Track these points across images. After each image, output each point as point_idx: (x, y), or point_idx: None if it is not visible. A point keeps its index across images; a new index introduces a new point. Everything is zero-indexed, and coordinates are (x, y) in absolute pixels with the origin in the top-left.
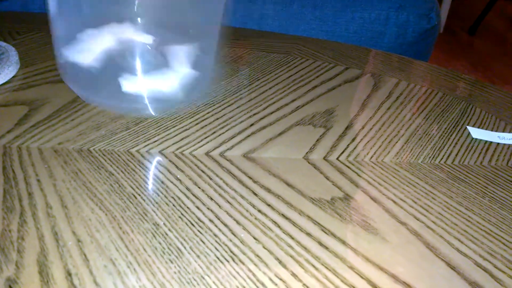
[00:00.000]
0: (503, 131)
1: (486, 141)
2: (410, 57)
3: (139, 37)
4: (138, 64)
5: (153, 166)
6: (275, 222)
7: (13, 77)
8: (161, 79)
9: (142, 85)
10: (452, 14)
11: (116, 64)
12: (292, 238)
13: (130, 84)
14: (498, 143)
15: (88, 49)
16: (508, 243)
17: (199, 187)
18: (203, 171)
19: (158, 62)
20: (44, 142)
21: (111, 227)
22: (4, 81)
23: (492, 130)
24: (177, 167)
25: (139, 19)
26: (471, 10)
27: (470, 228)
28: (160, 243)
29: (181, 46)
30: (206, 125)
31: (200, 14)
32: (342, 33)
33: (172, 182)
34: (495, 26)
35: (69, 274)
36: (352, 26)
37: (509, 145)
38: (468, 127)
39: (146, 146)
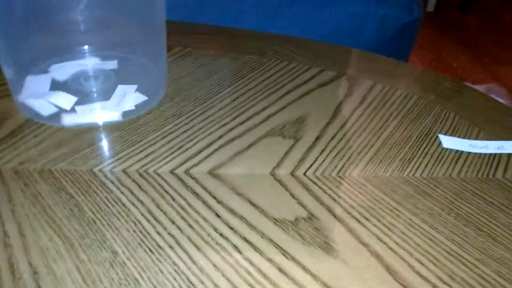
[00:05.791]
0: (476, 138)
1: (457, 151)
2: (390, 54)
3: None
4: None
5: (115, 187)
6: (235, 247)
7: None
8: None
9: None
10: None
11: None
12: (252, 264)
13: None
14: (469, 152)
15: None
16: (470, 264)
17: (161, 210)
18: (166, 191)
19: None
20: (4, 162)
21: (69, 256)
22: None
23: (464, 137)
24: (140, 187)
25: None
26: None
27: (432, 248)
28: (117, 273)
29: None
30: (173, 139)
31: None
32: (320, 29)
33: (133, 205)
34: (487, 3)
35: None
36: (330, 22)
37: (480, 154)
38: (439, 135)
39: (109, 164)
